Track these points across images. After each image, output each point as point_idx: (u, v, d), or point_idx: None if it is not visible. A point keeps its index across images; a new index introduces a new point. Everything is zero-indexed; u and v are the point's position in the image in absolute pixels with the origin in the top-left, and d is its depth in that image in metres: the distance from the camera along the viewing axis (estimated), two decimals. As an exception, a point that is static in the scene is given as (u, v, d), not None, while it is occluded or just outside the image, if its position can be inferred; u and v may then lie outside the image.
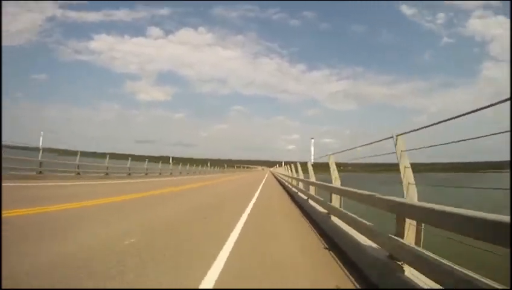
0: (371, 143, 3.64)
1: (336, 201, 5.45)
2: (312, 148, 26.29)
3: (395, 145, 3.06)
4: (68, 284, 2.52)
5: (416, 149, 3.01)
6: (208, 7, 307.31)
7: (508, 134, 1.65)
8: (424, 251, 2.42)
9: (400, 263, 2.73)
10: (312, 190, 8.57)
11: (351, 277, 3.15)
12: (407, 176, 3.01)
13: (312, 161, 10.36)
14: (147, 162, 24.01)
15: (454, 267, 2.02)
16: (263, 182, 24.67)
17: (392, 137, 3.09)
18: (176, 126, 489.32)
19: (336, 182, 5.63)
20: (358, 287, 2.92)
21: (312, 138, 27.20)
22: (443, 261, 2.13)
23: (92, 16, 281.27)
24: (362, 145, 4.19)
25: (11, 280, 2.48)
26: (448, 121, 2.39)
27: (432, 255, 2.29)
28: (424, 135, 2.93)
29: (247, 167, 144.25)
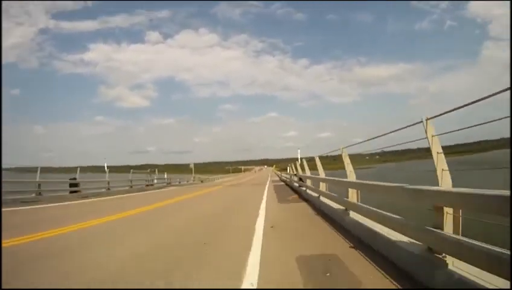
0: (396, 130, 3.46)
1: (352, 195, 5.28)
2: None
3: (426, 130, 2.89)
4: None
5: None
6: (211, 6, 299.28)
7: None
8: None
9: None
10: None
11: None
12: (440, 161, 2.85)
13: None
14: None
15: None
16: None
17: (421, 122, 2.91)
18: (171, 134, 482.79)
19: (351, 177, 5.46)
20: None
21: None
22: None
23: (88, 25, 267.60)
24: (383, 135, 4.02)
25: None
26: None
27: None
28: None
29: (243, 170, 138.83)
